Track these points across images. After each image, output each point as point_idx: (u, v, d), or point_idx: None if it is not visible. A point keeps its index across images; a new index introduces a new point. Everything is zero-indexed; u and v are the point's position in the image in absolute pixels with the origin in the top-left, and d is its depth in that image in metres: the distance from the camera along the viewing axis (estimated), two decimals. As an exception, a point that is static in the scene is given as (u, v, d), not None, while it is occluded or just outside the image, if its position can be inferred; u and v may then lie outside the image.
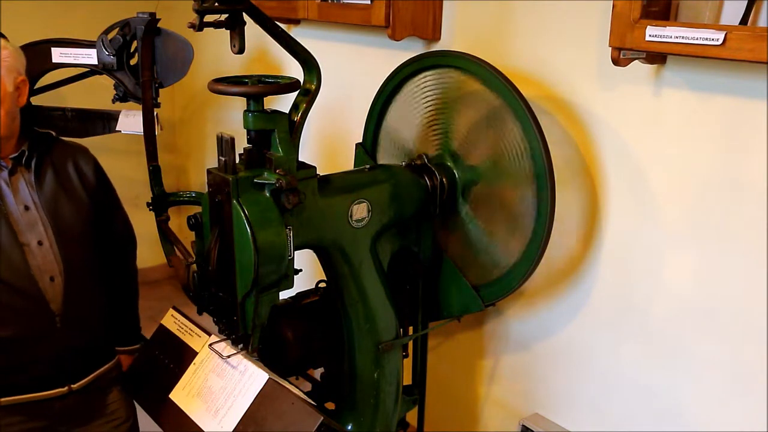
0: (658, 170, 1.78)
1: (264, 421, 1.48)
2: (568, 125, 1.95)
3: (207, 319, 1.62)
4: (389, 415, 1.88)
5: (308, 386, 1.93)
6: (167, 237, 2.04)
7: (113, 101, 2.55)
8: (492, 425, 2.39)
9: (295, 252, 1.54)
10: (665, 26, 1.49)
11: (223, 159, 1.44)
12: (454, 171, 1.86)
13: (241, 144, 1.51)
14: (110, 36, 2.41)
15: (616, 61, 1.62)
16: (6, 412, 1.66)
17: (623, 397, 1.97)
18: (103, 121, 2.78)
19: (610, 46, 1.60)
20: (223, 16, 1.40)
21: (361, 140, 2.12)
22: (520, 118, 1.70)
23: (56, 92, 2.75)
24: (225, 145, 1.44)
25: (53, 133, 1.78)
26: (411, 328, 2.00)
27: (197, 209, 1.57)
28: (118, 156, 3.33)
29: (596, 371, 2.03)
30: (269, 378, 1.53)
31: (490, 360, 2.34)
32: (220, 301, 1.53)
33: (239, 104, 1.56)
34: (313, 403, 1.51)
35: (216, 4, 1.35)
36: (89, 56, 2.47)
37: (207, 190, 1.50)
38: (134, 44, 2.41)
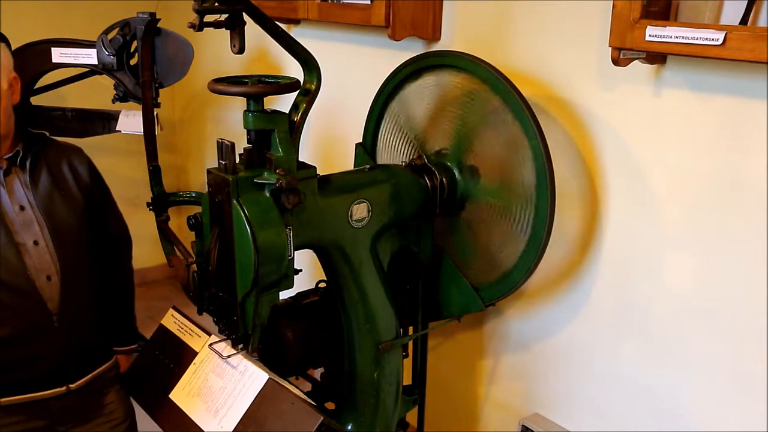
0: (658, 170, 1.78)
1: (264, 421, 1.48)
2: (568, 125, 1.95)
3: (207, 319, 1.62)
4: (389, 415, 1.88)
5: (308, 386, 1.93)
6: (167, 237, 2.04)
7: (113, 101, 2.55)
8: (492, 425, 2.39)
9: (295, 252, 1.54)
10: (665, 26, 1.49)
11: (224, 163, 1.44)
12: (454, 171, 1.86)
13: (241, 144, 1.51)
14: (110, 36, 2.41)
15: (616, 61, 1.62)
16: (4, 412, 1.66)
17: (623, 397, 1.97)
18: (103, 121, 2.78)
19: (610, 46, 1.60)
20: (223, 16, 1.40)
21: (361, 140, 2.12)
22: (520, 118, 1.70)
23: (56, 92, 2.75)
24: (225, 150, 1.44)
25: (47, 134, 1.78)
26: (411, 328, 2.00)
27: (197, 209, 1.57)
28: (118, 156, 3.34)
29: (596, 371, 2.03)
30: (269, 378, 1.53)
31: (490, 360, 2.34)
32: (220, 301, 1.53)
33: (239, 104, 1.57)
34: (313, 403, 1.51)
35: (216, 4, 1.35)
36: (89, 56, 2.47)
37: (207, 190, 1.50)
38: (134, 44, 2.41)
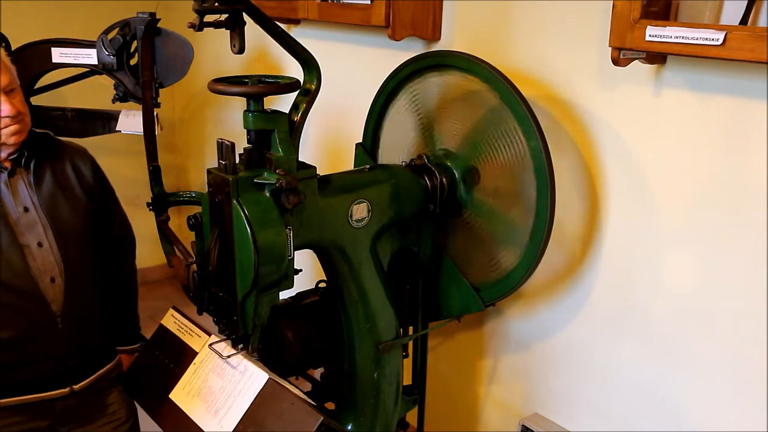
0: (658, 170, 1.78)
1: (264, 421, 1.48)
2: (568, 125, 1.95)
3: (207, 319, 1.62)
4: (389, 415, 1.88)
5: (308, 386, 1.93)
6: (167, 237, 2.04)
7: (113, 101, 2.56)
8: (492, 425, 2.39)
9: (295, 252, 1.54)
10: (665, 26, 1.49)
11: (224, 163, 1.44)
12: (454, 171, 1.86)
13: (241, 144, 1.51)
14: (110, 36, 2.41)
15: (616, 61, 1.62)
16: (7, 412, 1.67)
17: (623, 397, 1.97)
18: (103, 121, 2.79)
19: (610, 46, 1.60)
20: (223, 16, 1.40)
21: (361, 140, 2.12)
22: (520, 118, 1.70)
23: (56, 92, 2.75)
24: (225, 150, 1.44)
25: (51, 133, 1.78)
26: (411, 328, 2.00)
27: (197, 209, 1.57)
28: (118, 156, 3.34)
29: (596, 371, 2.03)
30: (269, 378, 1.53)
31: (490, 360, 2.34)
32: (220, 301, 1.53)
33: (239, 104, 1.57)
34: (313, 403, 1.51)
35: (216, 4, 1.35)
36: (89, 56, 2.47)
37: (207, 190, 1.50)
38: (134, 44, 2.41)
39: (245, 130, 1.51)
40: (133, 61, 2.45)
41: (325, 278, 1.81)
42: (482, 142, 1.82)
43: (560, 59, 1.94)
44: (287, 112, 1.53)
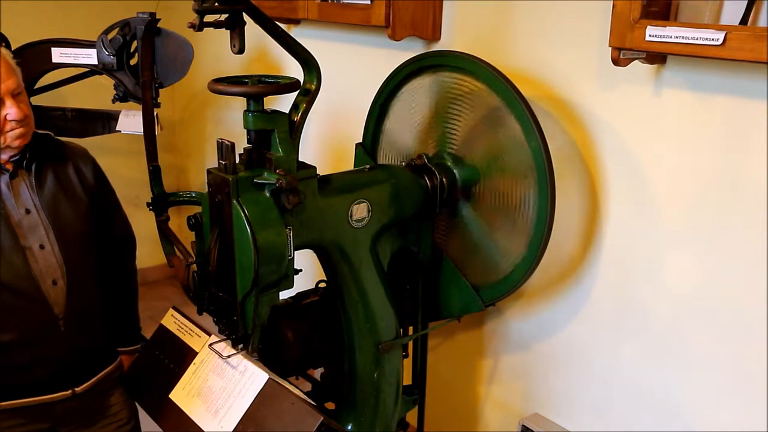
0: (658, 170, 1.78)
1: (264, 421, 1.48)
2: (568, 125, 1.95)
3: (207, 319, 1.62)
4: (389, 415, 1.88)
5: (308, 386, 1.93)
6: (167, 237, 2.04)
7: (113, 101, 2.56)
8: (492, 425, 2.39)
9: (295, 252, 1.54)
10: (665, 26, 1.49)
11: (224, 163, 1.44)
12: (454, 171, 1.86)
13: (241, 144, 1.51)
14: (110, 36, 2.41)
15: (616, 61, 1.62)
16: (8, 414, 1.66)
17: (623, 397, 1.97)
18: (103, 121, 2.79)
19: (610, 46, 1.60)
20: (223, 16, 1.40)
21: (361, 140, 2.12)
22: (520, 118, 1.70)
23: (56, 92, 2.75)
24: (225, 150, 1.44)
25: (52, 134, 1.78)
26: (411, 328, 2.00)
27: (197, 209, 1.57)
28: (118, 156, 3.33)
29: (596, 371, 2.03)
30: (269, 378, 1.53)
31: (490, 360, 2.34)
32: (220, 301, 1.53)
33: (239, 104, 1.57)
34: (313, 403, 1.51)
35: (216, 4, 1.35)
36: (89, 56, 2.47)
37: (207, 190, 1.50)
38: (134, 44, 2.41)
39: (245, 130, 1.51)
40: (133, 61, 2.45)
41: (325, 278, 1.81)
42: (482, 142, 1.82)
43: (560, 59, 1.94)
44: (287, 112, 1.53)
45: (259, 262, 1.41)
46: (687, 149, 1.71)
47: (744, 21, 1.52)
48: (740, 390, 1.71)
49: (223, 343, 1.63)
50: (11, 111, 1.55)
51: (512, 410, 2.29)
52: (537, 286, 2.12)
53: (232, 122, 3.34)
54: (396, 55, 2.31)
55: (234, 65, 3.05)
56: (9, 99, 1.55)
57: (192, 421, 1.59)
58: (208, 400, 1.59)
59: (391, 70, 1.97)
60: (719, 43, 1.40)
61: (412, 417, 2.15)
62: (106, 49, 2.40)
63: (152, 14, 2.34)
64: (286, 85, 1.51)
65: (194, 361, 1.69)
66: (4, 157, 1.63)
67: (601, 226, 1.93)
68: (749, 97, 1.58)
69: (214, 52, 3.26)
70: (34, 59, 2.53)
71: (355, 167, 2.11)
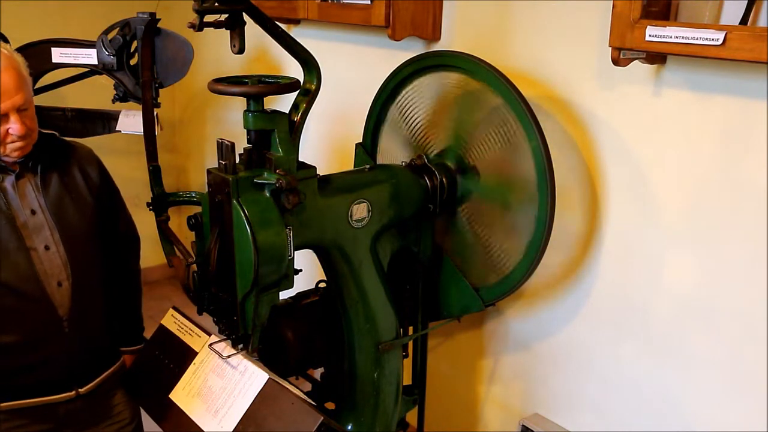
0: (658, 170, 1.78)
1: (264, 421, 1.48)
2: (568, 125, 1.95)
3: (207, 319, 1.62)
4: (389, 415, 1.88)
5: (308, 386, 1.93)
6: (167, 237, 2.04)
7: (113, 101, 2.56)
8: (492, 425, 2.39)
9: (295, 252, 1.54)
10: (665, 26, 1.49)
11: (224, 163, 1.44)
12: (454, 171, 1.86)
13: (241, 144, 1.51)
14: (110, 36, 2.41)
15: (616, 61, 1.62)
16: (12, 415, 1.66)
17: (623, 397, 1.97)
18: (103, 121, 2.79)
19: (610, 46, 1.60)
20: (223, 16, 1.40)
21: (361, 140, 2.12)
22: (520, 118, 1.70)
23: (56, 92, 2.75)
24: (225, 150, 1.44)
25: (57, 134, 1.77)
26: (411, 328, 2.00)
27: (197, 209, 1.57)
28: (118, 156, 3.33)
29: (596, 371, 2.03)
30: (269, 378, 1.53)
31: (490, 360, 2.34)
32: (220, 301, 1.53)
33: (239, 104, 1.56)
34: (313, 403, 1.51)
35: (216, 4, 1.35)
36: (89, 56, 2.47)
37: (207, 190, 1.50)
38: (134, 44, 2.41)
39: (245, 130, 1.51)
40: (133, 61, 2.45)
41: (325, 278, 1.81)
42: (482, 143, 1.82)
43: (560, 59, 1.94)
44: (287, 112, 1.53)
45: (259, 262, 1.41)
46: (687, 149, 1.71)
47: (744, 21, 1.52)
48: (740, 390, 1.71)
49: (223, 343, 1.63)
50: (14, 126, 1.55)
51: (512, 410, 2.29)
52: (537, 286, 2.12)
53: (232, 122, 3.34)
54: (396, 55, 2.31)
55: (234, 65, 3.05)
56: (14, 115, 1.54)
57: (192, 421, 1.59)
58: (208, 400, 1.59)
59: (391, 70, 1.97)
60: (719, 43, 1.40)
61: (412, 417, 2.15)
62: (106, 49, 2.40)
63: (152, 14, 2.34)
64: (286, 85, 1.51)
65: (194, 361, 1.68)
66: (9, 159, 1.63)
67: (601, 226, 1.93)
68: (749, 97, 1.58)
69: (214, 52, 3.26)
70: (34, 59, 2.52)
71: (355, 167, 2.11)
